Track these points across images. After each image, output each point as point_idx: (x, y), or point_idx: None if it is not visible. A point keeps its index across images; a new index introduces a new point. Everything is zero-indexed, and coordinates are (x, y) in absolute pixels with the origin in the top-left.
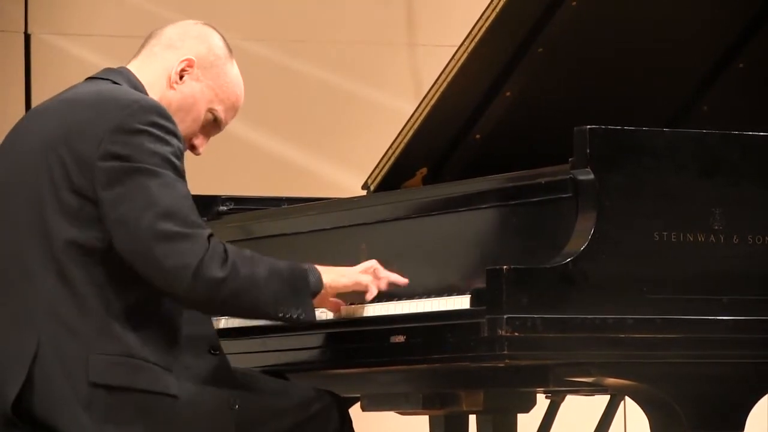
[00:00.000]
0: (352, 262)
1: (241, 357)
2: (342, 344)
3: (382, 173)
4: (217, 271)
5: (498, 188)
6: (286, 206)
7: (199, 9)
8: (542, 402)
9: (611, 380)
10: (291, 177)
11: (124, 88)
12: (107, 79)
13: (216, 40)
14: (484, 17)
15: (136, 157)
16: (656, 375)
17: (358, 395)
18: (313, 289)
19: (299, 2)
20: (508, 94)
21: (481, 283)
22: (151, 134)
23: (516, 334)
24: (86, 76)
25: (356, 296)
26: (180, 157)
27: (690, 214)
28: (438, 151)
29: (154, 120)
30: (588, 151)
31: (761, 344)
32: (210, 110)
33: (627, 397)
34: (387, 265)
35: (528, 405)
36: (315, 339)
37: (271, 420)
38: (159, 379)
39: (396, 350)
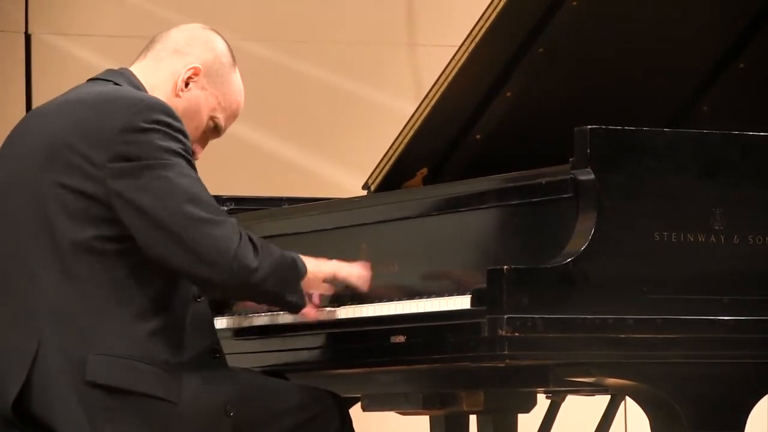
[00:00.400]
0: (353, 261)
1: (241, 357)
2: (342, 344)
3: (383, 173)
4: (252, 260)
5: (498, 188)
6: (286, 206)
7: (199, 9)
8: (543, 402)
9: (612, 380)
10: (291, 177)
11: (127, 89)
12: (109, 81)
13: (222, 48)
14: (485, 17)
15: (148, 154)
16: (657, 375)
17: (359, 395)
18: (302, 274)
19: (299, 2)
20: (508, 94)
21: (481, 283)
22: (159, 132)
23: (516, 334)
24: (87, 77)
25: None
26: (189, 149)
27: (690, 215)
28: (438, 152)
29: (160, 118)
30: (588, 151)
31: (761, 344)
32: (212, 118)
33: (627, 397)
34: (387, 265)
35: (528, 405)
36: (315, 339)
37: (272, 420)
38: (158, 382)
39: (396, 350)
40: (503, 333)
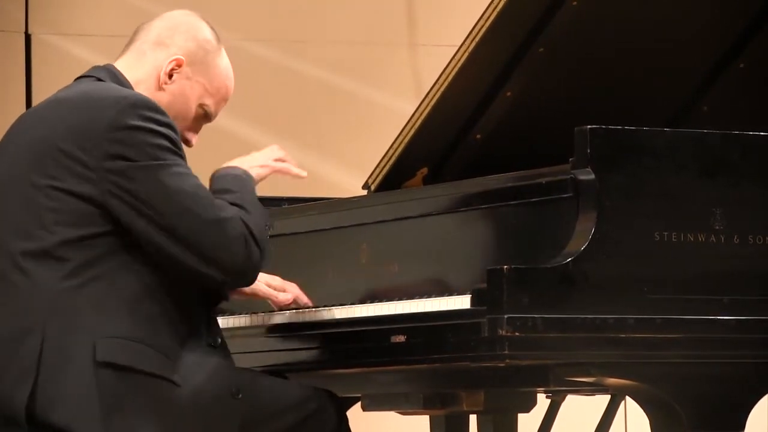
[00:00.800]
0: (353, 262)
1: (242, 357)
2: (342, 344)
3: (383, 173)
4: (256, 251)
5: (498, 188)
6: (286, 206)
7: (200, 9)
8: (543, 402)
9: (612, 380)
10: (291, 177)
11: (109, 85)
12: (93, 77)
13: (205, 33)
14: (485, 17)
15: (140, 154)
16: (657, 375)
17: (359, 395)
18: (254, 192)
19: (299, 2)
20: (508, 94)
21: (481, 283)
22: (146, 129)
23: (516, 334)
24: None
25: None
26: (179, 144)
27: (690, 214)
28: (438, 151)
29: (145, 114)
30: (588, 151)
31: (761, 344)
32: (201, 105)
33: (628, 397)
34: (387, 264)
35: (528, 405)
36: (315, 339)
37: (270, 419)
38: (163, 365)
39: (396, 350)
40: (503, 333)
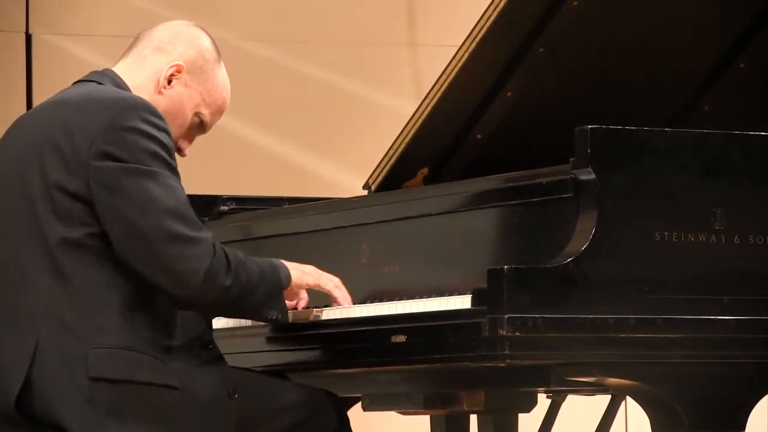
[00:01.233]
0: (353, 262)
1: (242, 357)
2: (343, 344)
3: (383, 173)
4: (224, 279)
5: (499, 188)
6: (287, 206)
7: (200, 9)
8: (543, 402)
9: (612, 380)
10: (292, 177)
11: (110, 88)
12: (92, 81)
13: (206, 44)
14: (486, 17)
15: (131, 157)
16: (657, 375)
17: (360, 395)
18: (284, 287)
19: (299, 2)
20: (509, 94)
21: (482, 283)
22: (142, 132)
23: (517, 333)
24: None
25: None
26: (172, 153)
27: (691, 214)
28: (439, 151)
29: (144, 117)
30: (589, 151)
31: (762, 344)
32: (197, 114)
33: (628, 397)
34: (388, 264)
35: (529, 405)
36: (316, 339)
37: (270, 419)
38: (159, 371)
39: (397, 350)
40: (504, 333)
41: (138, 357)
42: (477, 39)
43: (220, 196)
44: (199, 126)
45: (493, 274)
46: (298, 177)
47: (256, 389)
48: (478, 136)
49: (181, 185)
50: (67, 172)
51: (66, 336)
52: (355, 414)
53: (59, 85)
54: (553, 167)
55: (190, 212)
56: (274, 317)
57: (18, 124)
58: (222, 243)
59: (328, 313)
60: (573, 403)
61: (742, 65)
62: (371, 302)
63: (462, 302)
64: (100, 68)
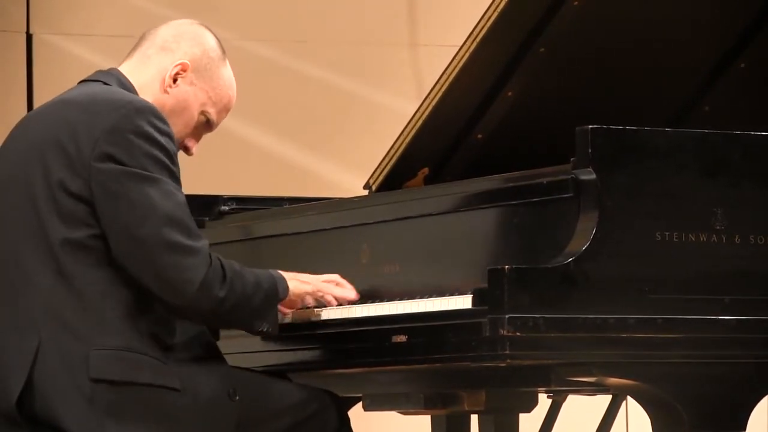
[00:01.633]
0: (354, 262)
1: (242, 357)
2: (343, 344)
3: (384, 173)
4: (218, 290)
5: (499, 188)
6: (287, 206)
7: (200, 9)
8: (544, 402)
9: (613, 380)
10: (293, 177)
11: (115, 89)
12: (98, 81)
13: (210, 42)
14: (486, 17)
15: (133, 160)
16: (658, 375)
17: (360, 395)
18: (281, 298)
19: (299, 2)
20: (509, 94)
21: (482, 283)
22: (146, 136)
23: (517, 333)
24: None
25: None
26: (174, 159)
27: (692, 214)
28: (440, 151)
29: (149, 120)
30: (590, 150)
31: (762, 344)
32: (203, 112)
33: (629, 397)
34: (388, 264)
35: (530, 405)
36: (316, 339)
37: (270, 419)
38: (160, 372)
39: (397, 350)
40: (504, 333)
41: (139, 358)
42: (478, 39)
43: (221, 196)
44: (206, 125)
45: (494, 274)
46: (299, 177)
47: (257, 389)
48: (479, 136)
49: (181, 191)
50: (71, 172)
51: (67, 337)
52: (356, 414)
53: (60, 85)
54: (553, 167)
55: (189, 220)
56: (265, 329)
57: (22, 124)
58: (222, 243)
59: (329, 313)
60: (574, 403)
61: (742, 65)
62: (372, 302)
63: (463, 302)
64: (101, 68)
